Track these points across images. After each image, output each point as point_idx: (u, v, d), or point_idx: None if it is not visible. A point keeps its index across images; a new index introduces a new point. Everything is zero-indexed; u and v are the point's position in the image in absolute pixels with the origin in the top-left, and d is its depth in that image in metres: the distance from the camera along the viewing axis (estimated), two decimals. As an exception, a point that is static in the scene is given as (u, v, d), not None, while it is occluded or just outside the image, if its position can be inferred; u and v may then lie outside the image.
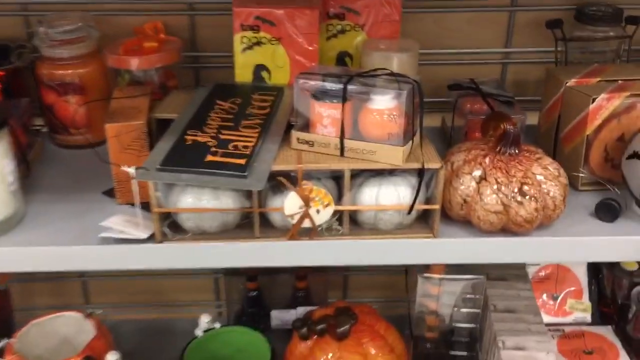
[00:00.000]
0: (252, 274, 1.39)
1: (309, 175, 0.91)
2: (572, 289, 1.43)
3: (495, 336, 1.11)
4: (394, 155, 0.88)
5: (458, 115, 1.16)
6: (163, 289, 1.51)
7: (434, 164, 0.89)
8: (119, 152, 0.97)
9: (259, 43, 1.08)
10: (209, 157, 0.87)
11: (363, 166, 0.89)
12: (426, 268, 1.20)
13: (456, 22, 1.26)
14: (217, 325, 1.26)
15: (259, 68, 1.10)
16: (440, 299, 1.20)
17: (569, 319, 1.42)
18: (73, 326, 1.28)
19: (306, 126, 0.93)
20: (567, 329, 1.40)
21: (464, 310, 1.21)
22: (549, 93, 1.11)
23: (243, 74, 1.10)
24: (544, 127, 1.14)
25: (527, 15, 1.25)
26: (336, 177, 0.94)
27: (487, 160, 0.93)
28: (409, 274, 1.37)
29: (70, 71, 1.13)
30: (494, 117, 0.97)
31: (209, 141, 0.91)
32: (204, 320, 1.25)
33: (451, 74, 1.25)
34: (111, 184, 1.01)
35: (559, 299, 1.43)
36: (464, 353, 1.24)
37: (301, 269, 1.38)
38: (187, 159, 0.87)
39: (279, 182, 0.87)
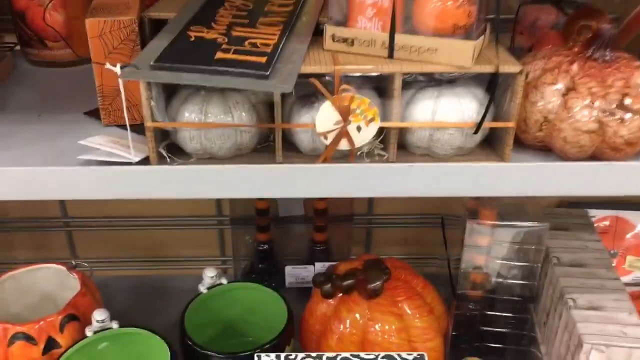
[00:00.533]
0: (262, 224, 1.19)
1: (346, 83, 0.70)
2: (632, 244, 1.24)
3: (562, 294, 0.91)
4: (462, 54, 0.67)
5: (518, 31, 0.95)
6: (159, 242, 1.32)
7: (511, 66, 0.68)
8: (104, 56, 0.76)
9: None
10: (219, 54, 0.67)
11: (420, 69, 0.68)
12: (472, 214, 1.00)
13: None
14: (224, 281, 1.07)
15: (278, -38, 0.88)
16: (491, 251, 1.00)
17: (628, 278, 1.24)
18: (55, 281, 1.09)
19: (344, 21, 0.72)
20: (627, 289, 1.21)
21: (517, 264, 1.01)
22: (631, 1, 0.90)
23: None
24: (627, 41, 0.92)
25: None
26: (379, 89, 0.74)
27: (574, 67, 0.72)
28: (445, 225, 1.18)
29: (44, -32, 0.92)
30: (582, 15, 0.76)
31: (218, 38, 0.70)
32: (209, 274, 1.06)
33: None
34: (96, 105, 0.81)
35: (617, 255, 1.25)
36: (515, 314, 1.05)
37: (321, 217, 1.18)
38: (190, 56, 0.66)
39: (311, 84, 0.66)
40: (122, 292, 1.25)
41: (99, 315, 0.96)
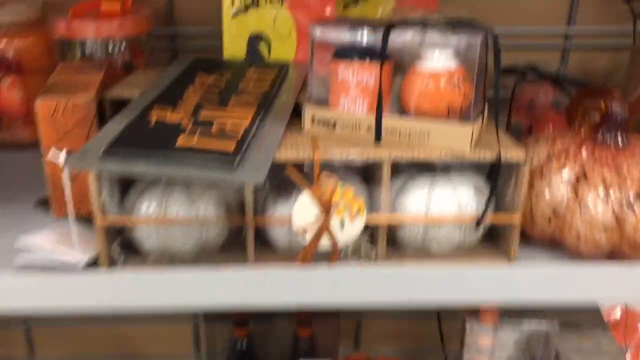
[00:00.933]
0: (240, 319, 1.08)
1: (329, 171, 0.62)
2: (646, 339, 1.13)
3: (577, 405, 0.80)
4: (458, 139, 0.59)
5: (515, 110, 0.88)
6: (128, 337, 1.19)
7: (514, 153, 0.60)
8: (55, 140, 0.68)
9: (255, 4, 0.80)
10: (182, 140, 0.58)
11: (411, 156, 0.60)
12: (472, 312, 0.90)
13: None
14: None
15: (255, 39, 0.82)
16: (494, 353, 0.89)
17: (643, 378, 1.12)
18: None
19: (325, 101, 0.64)
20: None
21: (524, 367, 0.90)
22: (636, 76, 0.84)
23: (233, 47, 0.82)
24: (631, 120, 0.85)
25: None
26: (366, 177, 0.65)
27: (584, 152, 0.64)
28: (442, 320, 1.07)
29: (3, 43, 0.84)
30: (588, 94, 0.69)
31: (183, 120, 0.62)
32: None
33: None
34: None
35: (629, 352, 1.13)
36: None
37: (305, 312, 1.07)
38: (147, 142, 0.58)
39: (287, 174, 0.57)
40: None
41: None
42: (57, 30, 0.83)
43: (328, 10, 0.80)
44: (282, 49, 0.82)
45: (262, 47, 0.82)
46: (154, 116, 0.62)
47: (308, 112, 0.63)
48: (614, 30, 1.00)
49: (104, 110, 0.71)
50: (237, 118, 0.63)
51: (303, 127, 0.64)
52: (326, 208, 0.59)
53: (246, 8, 0.80)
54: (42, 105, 0.66)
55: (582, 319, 0.95)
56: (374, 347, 1.21)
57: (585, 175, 0.63)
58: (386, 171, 0.60)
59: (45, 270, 0.60)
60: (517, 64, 0.92)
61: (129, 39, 0.85)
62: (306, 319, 1.09)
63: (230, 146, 0.57)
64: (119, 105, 0.70)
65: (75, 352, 1.19)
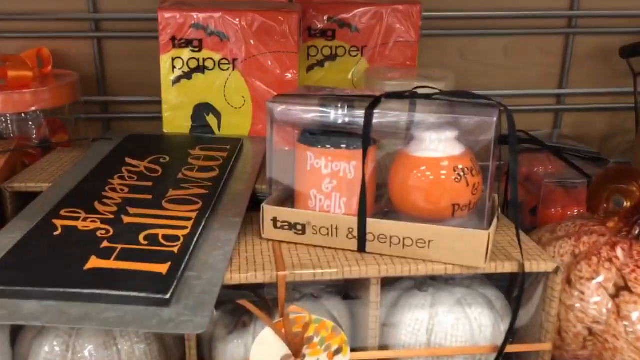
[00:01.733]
0: None
1: (299, 292, 0.47)
2: None
3: None
4: (469, 248, 0.44)
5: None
6: None
7: (542, 262, 0.46)
8: None
9: (201, 69, 0.66)
10: (93, 261, 0.42)
11: (407, 272, 0.45)
12: None
13: (489, 50, 0.87)
14: None
15: (202, 109, 0.67)
16: None
17: None
18: None
19: (291, 197, 0.49)
20: None
21: None
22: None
23: (175, 120, 0.67)
24: None
25: (589, 41, 0.87)
26: (348, 290, 0.50)
27: (619, 252, 0.51)
28: None
29: None
30: (613, 176, 0.55)
31: (100, 228, 0.46)
32: None
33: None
34: None
35: None
36: None
37: None
38: (44, 266, 0.41)
39: (241, 307, 0.42)
40: None
41: None
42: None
43: (289, 76, 0.66)
44: (235, 121, 0.67)
45: (211, 119, 0.67)
46: (60, 223, 0.46)
47: (268, 212, 0.48)
48: (609, 90, 0.89)
49: (5, 205, 0.55)
50: (173, 223, 0.47)
51: (262, 232, 0.49)
52: (296, 347, 0.43)
53: (190, 73, 0.66)
54: None
55: None
56: None
57: (626, 284, 0.49)
58: (374, 293, 0.45)
59: None
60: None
61: (46, 112, 0.70)
62: None
63: (162, 268, 0.42)
64: (28, 197, 0.54)
65: None
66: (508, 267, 0.45)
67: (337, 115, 0.46)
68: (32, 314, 0.38)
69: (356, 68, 0.75)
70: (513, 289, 0.49)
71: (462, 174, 0.45)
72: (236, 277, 0.43)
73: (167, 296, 0.39)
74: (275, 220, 0.48)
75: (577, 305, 0.50)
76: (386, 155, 0.48)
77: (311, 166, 0.47)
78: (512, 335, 0.47)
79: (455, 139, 0.45)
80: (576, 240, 0.53)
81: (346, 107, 0.46)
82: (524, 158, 0.75)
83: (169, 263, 0.42)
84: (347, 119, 0.46)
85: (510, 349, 0.48)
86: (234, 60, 0.66)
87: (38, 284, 0.39)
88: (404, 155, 0.46)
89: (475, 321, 0.47)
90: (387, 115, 0.45)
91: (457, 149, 0.45)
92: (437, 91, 0.48)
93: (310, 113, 0.46)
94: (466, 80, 0.87)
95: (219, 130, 0.68)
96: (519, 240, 0.46)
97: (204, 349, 0.47)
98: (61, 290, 0.39)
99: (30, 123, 0.69)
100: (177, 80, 0.66)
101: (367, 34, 0.74)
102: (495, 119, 0.43)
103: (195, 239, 0.45)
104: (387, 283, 0.49)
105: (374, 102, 0.45)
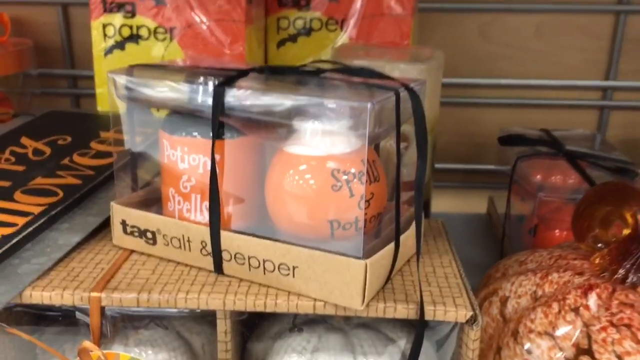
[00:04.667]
0: None
1: (139, 318, 0.37)
2: None
3: None
4: (344, 281, 0.32)
5: (518, 194, 0.61)
6: None
7: (452, 307, 0.33)
8: None
9: (134, 38, 0.57)
10: None
11: (264, 306, 0.34)
12: None
13: (517, 30, 0.72)
14: None
15: (138, 86, 0.58)
16: None
17: None
18: None
19: (153, 198, 0.39)
20: None
21: None
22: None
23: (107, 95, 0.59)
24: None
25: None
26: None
27: (592, 300, 0.37)
28: None
29: None
30: (611, 194, 0.41)
31: None
32: None
33: (506, 121, 0.71)
34: None
35: None
36: None
37: None
38: None
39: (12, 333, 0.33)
40: None
41: None
42: None
43: (238, 48, 0.56)
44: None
45: (147, 98, 0.58)
46: None
47: (117, 215, 0.38)
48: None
49: None
50: (6, 219, 0.39)
51: (113, 238, 0.39)
52: (109, 390, 0.33)
53: (123, 42, 0.57)
54: None
55: None
56: None
57: (590, 348, 0.35)
58: (222, 331, 0.34)
59: None
60: (526, 131, 0.65)
61: (-12, 82, 0.64)
62: None
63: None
64: None
65: None
66: (402, 312, 0.33)
67: (200, 94, 0.35)
68: None
69: (334, 45, 0.63)
70: (435, 331, 0.37)
71: (343, 180, 0.33)
72: (36, 296, 0.34)
73: None
74: (124, 223, 0.38)
75: (522, 368, 0.36)
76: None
77: (168, 158, 0.37)
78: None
79: (343, 133, 0.33)
80: (542, 277, 0.40)
81: (210, 83, 0.35)
82: (536, 165, 0.60)
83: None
84: (206, 97, 0.35)
85: (406, 422, 0.35)
86: (172, 29, 0.56)
87: None
88: (279, 151, 0.35)
89: (368, 377, 0.35)
90: (248, 96, 0.33)
91: (342, 146, 0.33)
92: (332, 63, 0.36)
93: (164, 89, 0.36)
94: (487, 66, 0.73)
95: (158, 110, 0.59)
96: (417, 270, 0.33)
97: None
98: None
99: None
100: (110, 50, 0.57)
101: (347, 4, 0.62)
102: (370, 105, 0.30)
103: (14, 241, 0.36)
104: (268, 316, 0.38)
105: (234, 77, 0.34)
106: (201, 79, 0.35)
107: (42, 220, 0.39)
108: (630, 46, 0.70)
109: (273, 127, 0.34)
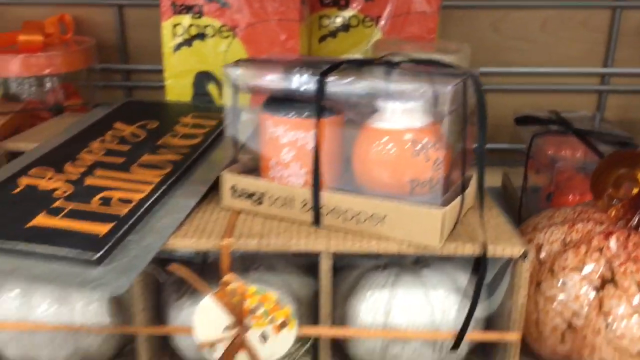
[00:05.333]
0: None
1: (251, 262, 0.45)
2: None
3: None
4: (424, 226, 0.41)
5: (533, 168, 0.70)
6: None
7: (507, 247, 0.42)
8: None
9: (201, 36, 0.65)
10: (39, 219, 0.42)
11: (357, 248, 0.43)
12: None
13: (526, 24, 0.81)
14: None
15: (203, 77, 0.67)
16: None
17: None
18: None
19: (252, 166, 0.48)
20: None
21: None
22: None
23: (177, 88, 0.67)
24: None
25: (638, 16, 0.80)
26: (309, 266, 0.48)
27: (612, 243, 0.46)
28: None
29: None
30: (622, 159, 0.50)
31: (61, 188, 0.46)
32: None
33: (517, 105, 0.80)
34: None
35: None
36: None
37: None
38: (-8, 220, 0.42)
39: (174, 272, 0.41)
40: None
41: None
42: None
43: (291, 44, 0.64)
44: (235, 91, 0.66)
45: (212, 88, 0.67)
46: (24, 182, 0.47)
47: (227, 180, 0.47)
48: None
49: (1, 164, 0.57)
50: (133, 186, 0.47)
51: (222, 201, 0.47)
52: (238, 316, 0.42)
53: (191, 40, 0.65)
54: None
55: None
56: None
57: (613, 277, 0.44)
58: (325, 269, 0.43)
59: None
60: (538, 113, 0.74)
61: (61, 77, 0.72)
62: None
63: (102, 229, 0.41)
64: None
65: None
66: (469, 249, 0.42)
67: (298, 82, 0.44)
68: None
69: (370, 41, 0.72)
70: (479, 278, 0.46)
71: (421, 147, 0.41)
72: (179, 243, 0.42)
73: (95, 257, 0.39)
74: (233, 188, 0.47)
75: (558, 296, 0.45)
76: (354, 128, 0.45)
77: (270, 135, 0.45)
78: (483, 324, 0.44)
79: (419, 111, 0.42)
80: (570, 227, 0.49)
81: (311, 72, 0.43)
82: (549, 141, 0.69)
83: (112, 225, 0.42)
84: (308, 87, 0.43)
85: (473, 336, 0.44)
86: (235, 27, 0.64)
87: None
88: (365, 127, 0.44)
89: (438, 305, 0.44)
90: (344, 84, 0.42)
91: (418, 121, 0.42)
92: (409, 57, 0.45)
93: (269, 79, 0.44)
94: (499, 57, 0.82)
95: (220, 99, 0.67)
96: (481, 217, 0.42)
97: (156, 315, 0.47)
98: (1, 235, 0.39)
99: (44, 87, 0.71)
100: (178, 47, 0.65)
101: (382, 4, 0.70)
102: (449, 88, 0.39)
103: (148, 203, 0.45)
104: (351, 262, 0.47)
105: (330, 68, 0.43)
106: (299, 69, 0.44)
107: (162, 188, 0.47)
108: (625, 38, 0.80)
109: (362, 107, 0.43)
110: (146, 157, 0.52)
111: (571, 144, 0.68)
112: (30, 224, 0.42)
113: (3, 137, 0.59)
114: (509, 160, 0.78)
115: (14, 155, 0.57)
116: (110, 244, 0.40)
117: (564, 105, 0.82)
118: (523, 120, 0.72)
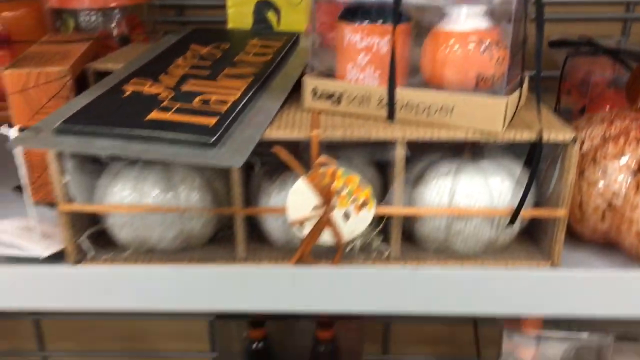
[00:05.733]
0: (256, 319, 0.99)
1: (332, 155, 0.52)
2: None
3: None
4: (488, 115, 0.48)
5: (565, 90, 0.76)
6: (142, 333, 1.12)
7: (560, 133, 0.49)
8: (29, 116, 0.60)
9: (262, -36, 0.71)
10: (154, 114, 0.49)
11: (430, 135, 0.49)
12: (513, 321, 0.79)
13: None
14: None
15: (263, 6, 0.72)
16: (536, 368, 0.78)
17: None
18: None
19: (330, 70, 0.54)
20: None
21: (571, 385, 0.78)
22: None
23: (238, 15, 0.73)
24: None
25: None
26: (378, 162, 0.55)
27: (648, 134, 0.53)
28: (479, 325, 0.96)
29: (-9, 14, 0.77)
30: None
31: (162, 93, 0.53)
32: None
33: (545, 34, 0.85)
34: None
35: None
36: None
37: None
38: (113, 116, 0.49)
39: (275, 154, 0.48)
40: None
41: None
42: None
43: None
44: (293, 18, 0.72)
45: (271, 16, 0.72)
46: (129, 88, 0.54)
47: (309, 84, 0.53)
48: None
49: (88, 84, 0.63)
50: (225, 91, 0.53)
51: (303, 102, 0.54)
52: (326, 197, 0.49)
53: (252, -30, 0.71)
54: (11, 77, 0.58)
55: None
56: (403, 352, 1.11)
57: (649, 162, 0.51)
58: (400, 154, 0.49)
59: (5, 262, 0.52)
60: (569, 37, 0.80)
61: (126, 10, 0.77)
62: (327, 321, 0.99)
63: (210, 121, 0.48)
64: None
65: (86, 346, 1.13)
66: (526, 135, 0.48)
67: (373, -8, 0.50)
68: (103, 147, 0.45)
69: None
70: (535, 158, 0.52)
71: (487, 46, 0.48)
72: (275, 133, 0.49)
73: (212, 140, 0.45)
74: (314, 90, 0.53)
75: (600, 181, 0.52)
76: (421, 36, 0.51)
77: (347, 41, 0.51)
78: (525, 201, 0.50)
79: (482, 14, 0.48)
80: (608, 125, 0.55)
81: (382, -16, 0.49)
82: (582, 62, 0.75)
83: (217, 118, 0.48)
84: (385, -4, 0.49)
85: (525, 213, 0.51)
86: (294, -43, 0.70)
87: (105, 129, 0.47)
88: (434, 30, 0.50)
89: (495, 189, 0.51)
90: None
91: (484, 23, 0.48)
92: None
93: (347, -10, 0.50)
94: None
95: (278, 26, 0.73)
96: (538, 109, 0.49)
97: (250, 201, 0.53)
98: (126, 130, 0.46)
99: (111, 19, 0.77)
100: (240, -24, 0.71)
101: None
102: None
103: (241, 104, 0.51)
104: (415, 156, 0.54)
105: (405, -22, 0.49)
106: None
107: (250, 93, 0.54)
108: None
109: (432, 12, 0.49)
110: (228, 70, 0.58)
111: (602, 63, 0.74)
112: (148, 117, 0.48)
113: (86, 61, 0.65)
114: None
115: (101, 75, 0.63)
116: (220, 131, 0.47)
117: (591, 34, 0.88)
118: (557, 44, 0.78)
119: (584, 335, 0.74)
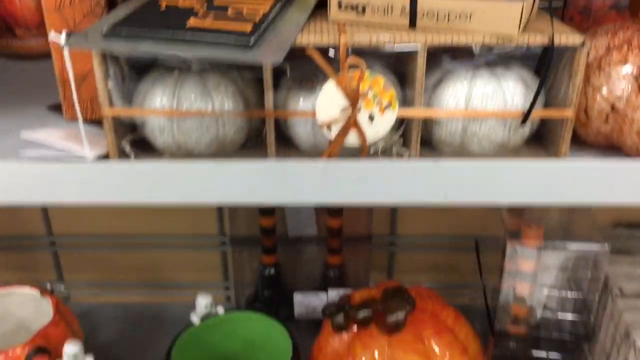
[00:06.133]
0: (268, 245, 1.04)
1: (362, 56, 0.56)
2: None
3: (627, 332, 0.74)
4: (505, 20, 0.52)
5: (570, 15, 0.79)
6: (155, 264, 1.17)
7: (570, 37, 0.53)
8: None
9: None
10: (193, 22, 0.52)
11: (450, 40, 0.53)
12: (513, 234, 0.84)
13: None
14: (221, 310, 0.92)
15: None
16: (536, 279, 0.84)
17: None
18: (29, 307, 0.95)
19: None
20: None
21: (569, 294, 0.84)
22: None
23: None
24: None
25: None
26: (399, 70, 0.59)
27: (649, 42, 0.57)
28: (481, 248, 1.01)
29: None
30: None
31: (195, 6, 0.56)
32: (202, 302, 0.91)
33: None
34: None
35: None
36: (566, 356, 0.87)
37: (335, 237, 1.02)
38: (155, 23, 0.52)
39: (309, 55, 0.51)
40: (110, 321, 1.10)
41: (70, 349, 0.81)
42: None
43: None
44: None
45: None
46: (164, 3, 0.57)
47: (335, -5, 0.57)
48: None
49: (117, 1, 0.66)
50: (254, 3, 0.57)
51: (329, 14, 0.57)
52: (353, 99, 0.53)
53: None
54: (48, -6, 0.61)
55: (635, 247, 0.88)
56: (407, 279, 1.17)
57: (650, 66, 0.55)
58: (421, 60, 0.53)
59: (51, 161, 0.56)
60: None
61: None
62: (336, 248, 1.05)
63: (246, 27, 0.51)
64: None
65: (102, 278, 1.18)
66: (539, 39, 0.52)
67: None
68: (150, 49, 0.49)
69: None
70: (546, 61, 0.56)
71: (503, -45, 0.51)
72: (305, 39, 0.52)
73: (251, 43, 0.49)
74: (339, 2, 0.56)
75: (604, 85, 0.56)
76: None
77: (372, -47, 0.55)
78: (537, 101, 0.55)
79: None
80: (612, 36, 0.59)
81: None
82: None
83: (252, 25, 0.52)
84: None
85: (536, 113, 0.55)
86: None
87: (151, 33, 0.50)
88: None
89: (508, 93, 0.55)
90: None
91: None
92: None
93: None
94: None
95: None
96: (551, 17, 0.53)
97: (279, 108, 0.57)
98: (170, 33, 0.50)
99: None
100: None
101: None
102: None
103: (272, 14, 0.55)
104: (433, 65, 0.58)
105: None
106: None
107: (278, 5, 0.57)
108: None
109: None
110: (255, -13, 0.61)
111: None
112: (188, 25, 0.52)
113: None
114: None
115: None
116: (256, 36, 0.50)
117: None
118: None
119: (582, 245, 0.79)
